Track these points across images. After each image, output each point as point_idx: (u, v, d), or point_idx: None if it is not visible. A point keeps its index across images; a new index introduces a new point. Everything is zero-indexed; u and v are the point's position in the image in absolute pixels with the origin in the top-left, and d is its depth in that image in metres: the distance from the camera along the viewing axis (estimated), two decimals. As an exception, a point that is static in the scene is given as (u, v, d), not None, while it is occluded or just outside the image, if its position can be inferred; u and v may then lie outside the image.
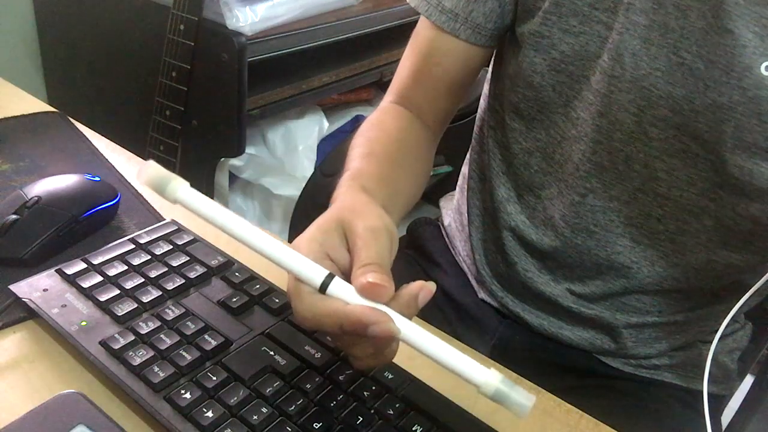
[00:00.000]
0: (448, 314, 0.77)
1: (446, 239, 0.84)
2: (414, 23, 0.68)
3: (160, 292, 0.51)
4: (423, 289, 0.40)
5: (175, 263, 0.55)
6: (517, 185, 0.69)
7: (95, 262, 0.53)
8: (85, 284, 0.51)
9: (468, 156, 0.81)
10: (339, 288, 0.39)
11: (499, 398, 0.37)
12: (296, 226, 0.94)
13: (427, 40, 0.67)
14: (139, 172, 0.40)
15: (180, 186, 0.40)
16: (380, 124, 0.65)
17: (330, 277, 0.39)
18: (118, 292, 0.51)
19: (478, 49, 0.66)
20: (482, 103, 0.76)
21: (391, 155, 0.60)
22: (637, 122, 0.57)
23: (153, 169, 0.40)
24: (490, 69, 0.73)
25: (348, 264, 0.42)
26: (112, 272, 0.52)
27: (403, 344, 0.40)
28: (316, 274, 0.39)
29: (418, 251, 0.84)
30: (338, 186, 0.51)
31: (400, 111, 0.68)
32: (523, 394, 0.37)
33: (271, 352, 0.47)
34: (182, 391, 0.43)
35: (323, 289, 0.39)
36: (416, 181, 0.65)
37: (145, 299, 0.50)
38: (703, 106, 0.54)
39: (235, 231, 0.40)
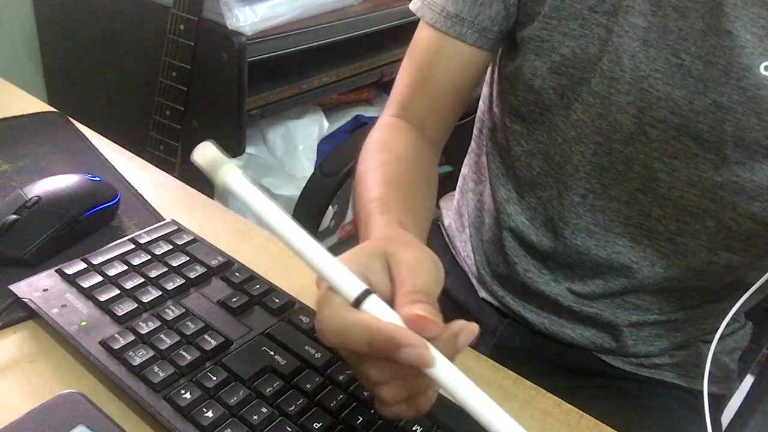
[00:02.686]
0: (448, 314, 0.77)
1: (446, 239, 0.84)
2: (414, 23, 0.68)
3: (160, 292, 0.51)
4: (464, 330, 0.36)
5: (175, 263, 0.55)
6: (517, 186, 0.69)
7: (95, 262, 0.53)
8: (85, 284, 0.51)
9: (467, 157, 0.81)
10: (376, 306, 0.35)
11: None
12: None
13: (430, 48, 0.65)
14: (195, 151, 0.38)
15: (231, 172, 0.38)
16: (389, 144, 0.63)
17: (368, 293, 0.35)
18: (118, 292, 0.51)
19: (483, 53, 0.65)
20: (481, 104, 0.76)
21: (409, 182, 0.58)
22: (637, 124, 0.57)
23: (210, 151, 0.38)
24: (488, 72, 0.73)
25: (388, 292, 0.38)
26: (112, 272, 0.52)
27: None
28: (353, 286, 0.35)
29: (418, 251, 0.84)
30: (368, 217, 0.48)
31: (404, 128, 0.66)
32: None
33: (271, 352, 0.47)
34: (182, 391, 0.43)
35: (357, 303, 0.35)
36: (431, 204, 0.63)
37: (145, 299, 0.50)
38: (702, 106, 0.54)
39: (277, 228, 0.37)
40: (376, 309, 0.35)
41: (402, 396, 0.37)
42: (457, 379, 0.34)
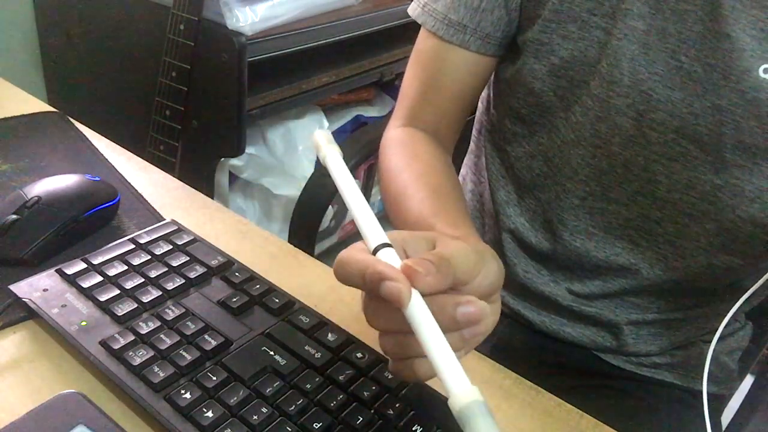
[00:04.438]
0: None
1: (446, 239, 0.83)
2: (414, 23, 0.68)
3: (160, 292, 0.51)
4: (469, 303, 0.37)
5: (175, 263, 0.55)
6: (516, 188, 0.69)
7: (95, 262, 0.53)
8: (85, 284, 0.51)
9: (466, 158, 0.81)
10: (387, 255, 0.37)
11: (463, 418, 0.32)
12: (296, 226, 0.94)
13: (434, 56, 0.65)
14: (317, 134, 0.45)
15: (330, 153, 0.44)
16: (417, 155, 0.62)
17: (384, 246, 0.38)
18: (118, 292, 0.51)
19: (487, 59, 0.65)
20: (480, 106, 0.76)
21: (450, 191, 0.58)
22: (636, 126, 0.57)
23: (323, 135, 0.45)
24: None
25: None
26: (112, 272, 0.52)
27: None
28: (377, 238, 0.38)
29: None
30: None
31: (423, 137, 0.65)
32: (492, 428, 0.32)
33: (271, 352, 0.47)
34: (182, 391, 0.43)
35: (375, 252, 0.38)
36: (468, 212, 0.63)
37: (145, 299, 0.50)
38: (702, 109, 0.54)
39: (343, 192, 0.42)
40: (386, 257, 0.37)
41: (398, 351, 0.38)
42: (425, 324, 0.35)
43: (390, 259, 0.37)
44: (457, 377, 0.33)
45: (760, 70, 0.51)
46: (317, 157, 1.50)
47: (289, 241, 0.66)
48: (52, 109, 0.82)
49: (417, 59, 0.67)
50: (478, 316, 0.37)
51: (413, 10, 0.66)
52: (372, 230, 0.39)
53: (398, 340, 0.38)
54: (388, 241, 0.38)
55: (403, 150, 0.63)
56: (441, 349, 0.34)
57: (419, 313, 0.35)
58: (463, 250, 0.39)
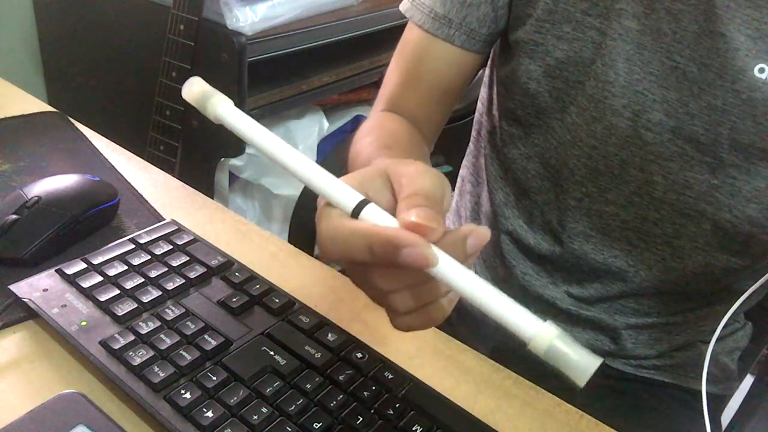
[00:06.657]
0: (448, 315, 0.77)
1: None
2: (414, 24, 0.68)
3: (160, 292, 0.51)
4: (473, 233, 0.34)
5: (175, 263, 0.55)
6: (514, 189, 0.69)
7: (95, 262, 0.53)
8: (85, 284, 0.51)
9: (465, 159, 0.81)
10: (374, 214, 0.34)
11: (552, 357, 0.32)
12: (296, 226, 0.94)
13: (418, 48, 0.66)
14: (184, 87, 0.39)
15: (221, 102, 0.38)
16: (382, 127, 0.63)
17: (364, 203, 0.35)
18: (118, 292, 0.51)
19: (471, 55, 0.65)
20: (479, 106, 0.76)
21: (405, 148, 0.58)
22: (632, 127, 0.57)
23: (198, 85, 0.39)
24: (486, 74, 0.73)
25: (392, 207, 0.36)
26: (112, 272, 0.52)
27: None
28: (350, 197, 0.35)
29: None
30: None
31: (396, 117, 0.66)
32: (585, 356, 0.32)
33: (271, 352, 0.47)
34: (182, 391, 0.43)
35: (356, 213, 0.35)
36: None
37: (145, 299, 0.50)
38: (697, 109, 0.54)
39: (273, 152, 0.37)
40: (374, 216, 0.34)
41: (413, 304, 0.36)
42: (463, 276, 0.33)
43: (378, 216, 0.34)
44: (527, 320, 0.33)
45: (755, 69, 0.51)
46: (316, 157, 1.50)
47: (289, 241, 0.66)
48: (52, 109, 0.82)
49: (401, 50, 0.68)
50: (486, 237, 0.35)
51: (404, 5, 0.67)
52: (337, 188, 0.35)
53: (413, 293, 0.35)
54: (364, 197, 0.35)
55: (371, 124, 0.64)
56: (496, 300, 0.33)
57: (452, 270, 0.33)
58: (428, 174, 0.36)
